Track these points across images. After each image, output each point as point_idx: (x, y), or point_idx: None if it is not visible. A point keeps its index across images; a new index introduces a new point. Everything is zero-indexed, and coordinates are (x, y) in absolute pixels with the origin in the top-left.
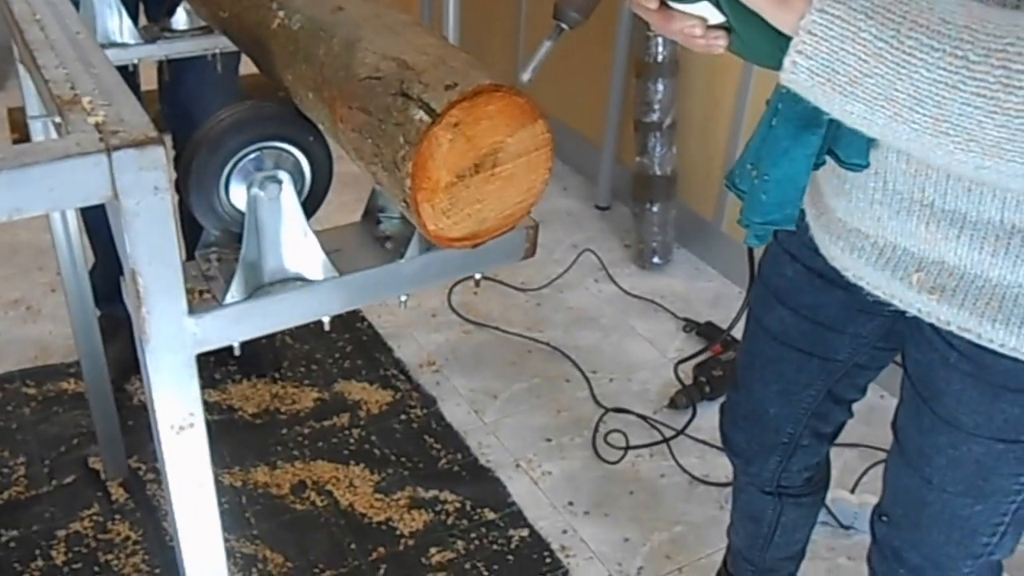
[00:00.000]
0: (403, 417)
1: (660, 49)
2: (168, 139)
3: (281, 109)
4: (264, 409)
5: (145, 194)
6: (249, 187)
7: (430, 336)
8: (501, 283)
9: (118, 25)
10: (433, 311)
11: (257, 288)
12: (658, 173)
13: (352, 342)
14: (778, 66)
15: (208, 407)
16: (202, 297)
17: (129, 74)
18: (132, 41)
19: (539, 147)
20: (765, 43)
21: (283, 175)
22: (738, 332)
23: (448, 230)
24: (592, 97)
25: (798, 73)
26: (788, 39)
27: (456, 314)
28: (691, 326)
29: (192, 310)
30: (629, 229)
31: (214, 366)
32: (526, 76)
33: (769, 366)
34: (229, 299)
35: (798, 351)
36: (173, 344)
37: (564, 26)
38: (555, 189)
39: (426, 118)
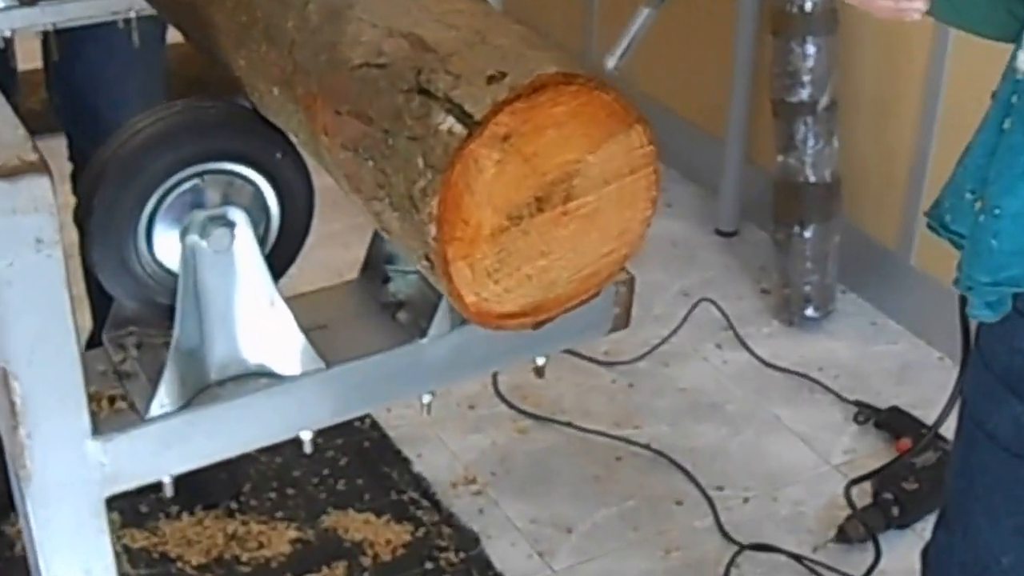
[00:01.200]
0: (429, 565)
1: None
2: (61, 144)
3: (232, 112)
4: (216, 557)
5: (21, 251)
6: (184, 234)
7: (467, 438)
8: (574, 354)
9: None
10: (470, 400)
11: (200, 390)
12: (811, 179)
13: (348, 450)
14: (1010, 38)
15: (131, 557)
16: (114, 407)
17: None
18: (1, 3)
19: (636, 168)
20: (988, 6)
21: (236, 214)
22: (947, 430)
23: (496, 302)
24: (707, 66)
25: None
26: None
27: (505, 403)
28: (866, 413)
29: (98, 429)
30: (767, 266)
31: (138, 493)
32: (613, 63)
33: (999, 491)
34: (157, 410)
35: None
36: (69, 483)
37: None
38: None
39: (459, 129)
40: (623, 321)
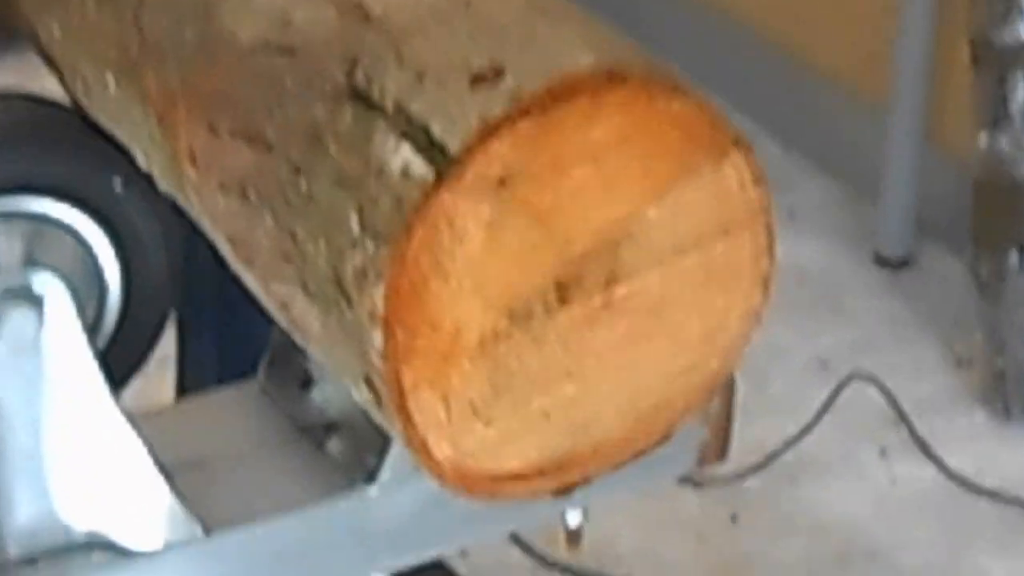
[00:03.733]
0: None
1: None
2: None
3: (36, 111)
4: None
5: None
6: None
7: None
8: None
9: None
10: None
11: None
12: None
13: None
14: None
15: None
16: None
17: None
18: None
19: (734, 225)
20: None
21: (47, 283)
22: None
23: (488, 456)
24: None
25: None
26: None
27: (522, 548)
28: None
29: None
30: (964, 319)
31: None
32: None
33: None
34: None
35: None
36: None
37: None
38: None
39: (422, 167)
40: (715, 451)
